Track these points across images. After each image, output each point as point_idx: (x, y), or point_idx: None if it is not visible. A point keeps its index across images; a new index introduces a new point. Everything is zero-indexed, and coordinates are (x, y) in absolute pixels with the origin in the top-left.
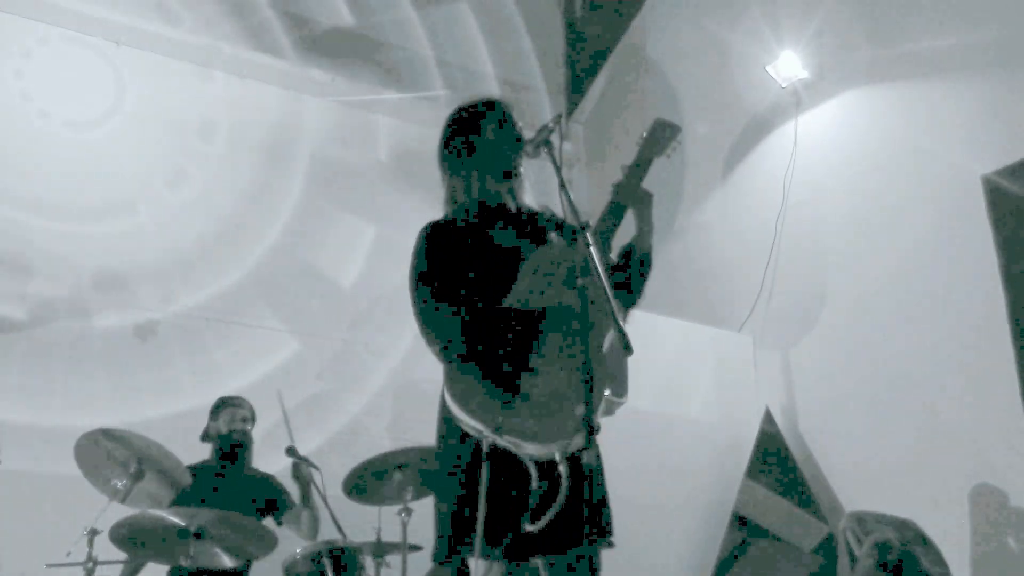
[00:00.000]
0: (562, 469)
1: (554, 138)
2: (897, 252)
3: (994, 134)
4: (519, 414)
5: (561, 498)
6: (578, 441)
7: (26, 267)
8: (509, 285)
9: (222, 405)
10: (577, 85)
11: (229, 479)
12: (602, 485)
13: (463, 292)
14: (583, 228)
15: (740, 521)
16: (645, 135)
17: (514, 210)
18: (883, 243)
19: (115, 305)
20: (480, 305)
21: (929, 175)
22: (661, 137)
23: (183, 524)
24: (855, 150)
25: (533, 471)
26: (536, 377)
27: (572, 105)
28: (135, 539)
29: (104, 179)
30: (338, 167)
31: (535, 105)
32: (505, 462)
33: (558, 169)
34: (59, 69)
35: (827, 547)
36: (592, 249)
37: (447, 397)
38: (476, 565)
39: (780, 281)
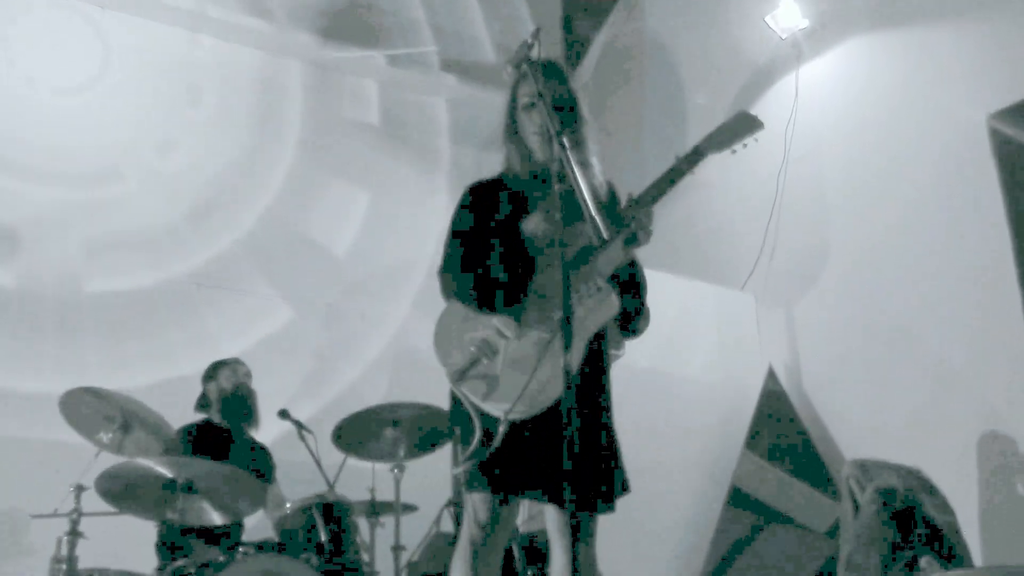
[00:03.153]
0: (502, 428)
1: (534, 52)
2: (901, 202)
3: (998, 75)
4: (479, 373)
5: (492, 448)
6: (520, 409)
7: (13, 234)
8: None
9: (219, 365)
10: (575, 49)
11: (233, 439)
12: (607, 451)
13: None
14: (559, 134)
15: (750, 502)
16: (726, 122)
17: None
18: (887, 193)
19: (105, 272)
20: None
21: (932, 121)
22: (739, 129)
23: (171, 476)
24: (857, 100)
25: (477, 422)
26: (507, 342)
27: (571, 66)
28: (121, 490)
29: (92, 146)
30: (330, 132)
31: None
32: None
33: (537, 83)
34: (44, 35)
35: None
36: (570, 154)
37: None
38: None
39: (782, 237)
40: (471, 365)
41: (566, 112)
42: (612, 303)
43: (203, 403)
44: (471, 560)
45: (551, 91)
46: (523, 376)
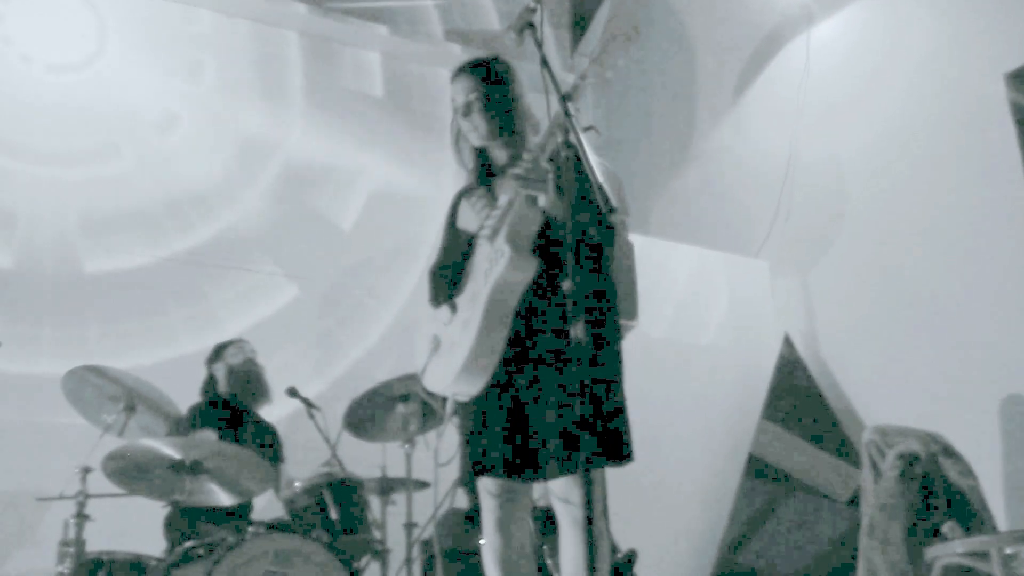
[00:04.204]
0: (448, 406)
1: (536, 17)
2: (916, 164)
3: (1015, 33)
4: (430, 368)
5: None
6: (461, 390)
7: (11, 213)
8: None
9: (224, 346)
10: (581, 17)
11: (242, 418)
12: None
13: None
14: (565, 98)
15: (769, 472)
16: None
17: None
18: (902, 155)
19: (105, 251)
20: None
21: (949, 81)
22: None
23: (178, 456)
24: (869, 60)
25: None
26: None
27: (577, 37)
28: (128, 471)
29: (89, 123)
30: (332, 105)
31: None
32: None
33: (540, 47)
34: (39, 11)
35: None
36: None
37: None
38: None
39: (796, 203)
40: (425, 363)
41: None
42: (515, 267)
43: (210, 385)
44: (498, 544)
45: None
46: (455, 359)
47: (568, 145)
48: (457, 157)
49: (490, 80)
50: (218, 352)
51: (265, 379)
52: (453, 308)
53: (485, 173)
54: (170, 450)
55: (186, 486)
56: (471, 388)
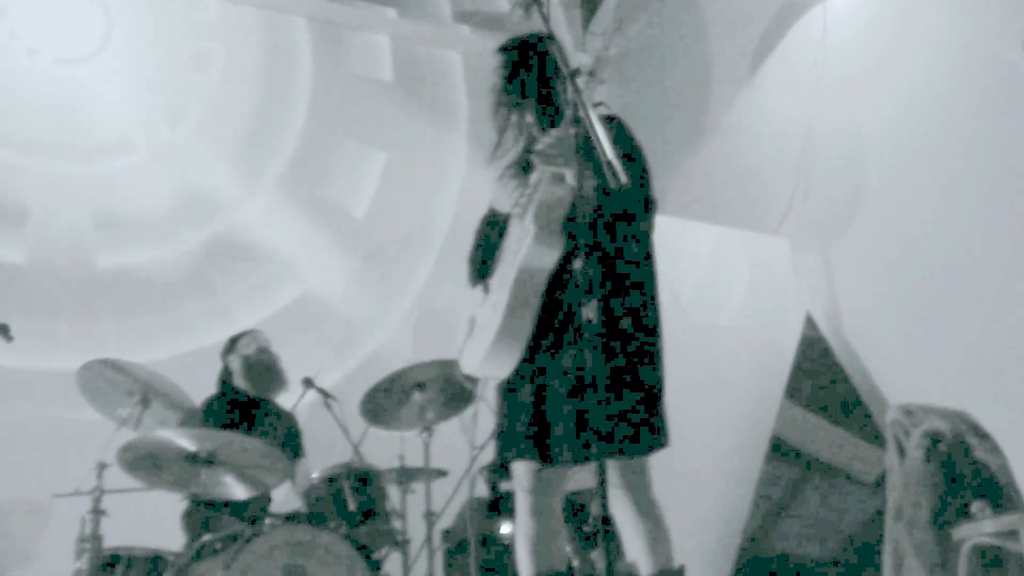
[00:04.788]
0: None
1: None
2: (937, 134)
3: None
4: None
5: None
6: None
7: (23, 209)
8: None
9: (238, 337)
10: None
11: (259, 408)
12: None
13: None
14: (572, 75)
15: (792, 454)
16: None
17: None
18: (922, 126)
19: (118, 246)
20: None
21: (969, 50)
22: None
23: (193, 449)
24: (886, 31)
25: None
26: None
27: (588, 16)
28: (143, 463)
29: (99, 116)
30: (342, 91)
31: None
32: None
33: (546, 22)
34: (44, 4)
35: None
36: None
37: None
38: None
39: (815, 178)
40: (461, 345)
41: None
42: (540, 246)
43: (225, 377)
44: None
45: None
46: (484, 340)
47: (577, 122)
48: (499, 136)
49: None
50: (232, 344)
51: (281, 366)
52: (486, 289)
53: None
54: (185, 441)
55: (202, 478)
56: (500, 370)
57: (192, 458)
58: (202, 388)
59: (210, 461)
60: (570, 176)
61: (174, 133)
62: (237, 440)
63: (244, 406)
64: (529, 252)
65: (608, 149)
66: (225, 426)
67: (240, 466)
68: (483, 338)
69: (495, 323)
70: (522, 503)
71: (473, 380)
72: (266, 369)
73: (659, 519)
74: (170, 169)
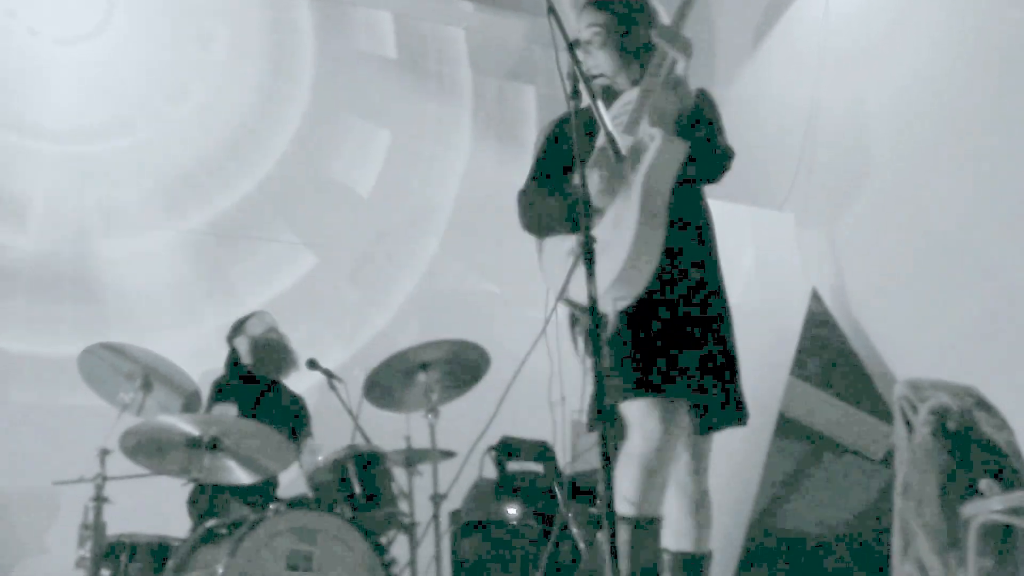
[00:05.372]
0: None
1: None
2: (944, 108)
3: None
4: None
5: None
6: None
7: (26, 193)
8: None
9: (244, 319)
10: None
11: (268, 391)
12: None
13: None
14: (572, 47)
15: (800, 431)
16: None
17: None
18: (928, 100)
19: (120, 227)
20: None
21: (976, 22)
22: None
23: (196, 433)
24: (890, 4)
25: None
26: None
27: None
28: (146, 447)
29: (100, 97)
30: (345, 69)
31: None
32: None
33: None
34: None
35: None
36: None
37: None
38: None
39: (820, 153)
40: (568, 275)
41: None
42: (667, 149)
43: (233, 360)
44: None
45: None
46: (612, 259)
47: (575, 94)
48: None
49: (615, 13)
50: (239, 326)
51: (289, 346)
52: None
53: None
54: (188, 426)
55: (205, 463)
56: (633, 288)
57: (195, 443)
58: (209, 369)
59: (214, 446)
60: (682, 65)
61: (176, 112)
62: (241, 425)
63: (253, 387)
64: (656, 156)
65: (608, 123)
66: (236, 404)
67: (244, 451)
68: (609, 257)
69: (627, 237)
70: (651, 439)
71: (582, 310)
72: (275, 349)
73: (710, 507)
74: (173, 149)
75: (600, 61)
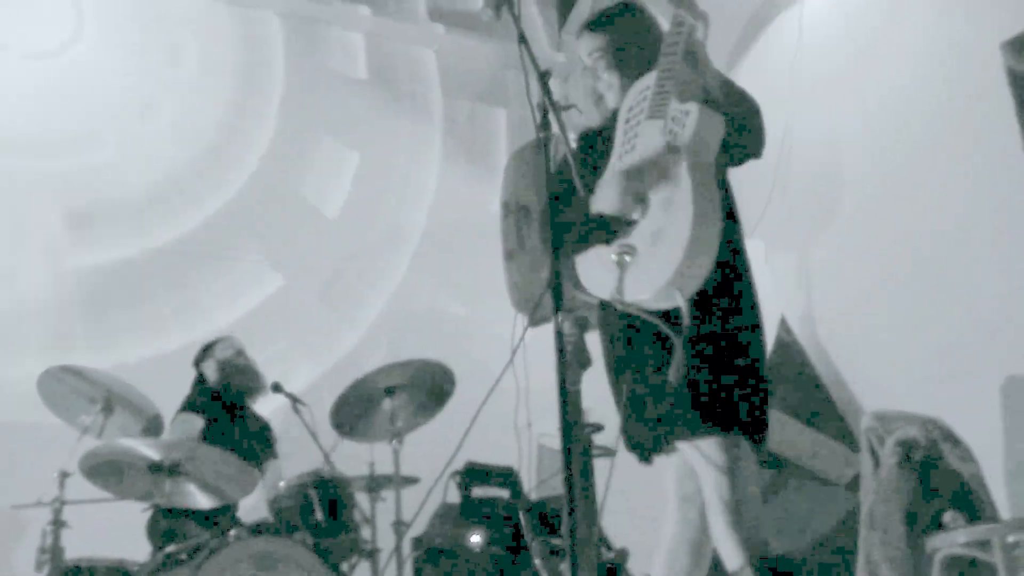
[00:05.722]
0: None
1: None
2: (914, 138)
3: (1010, 2)
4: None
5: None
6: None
7: None
8: None
9: (212, 344)
10: None
11: (234, 415)
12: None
13: None
14: (543, 76)
15: (767, 457)
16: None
17: None
18: (898, 130)
19: (87, 243)
20: None
21: (945, 51)
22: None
23: (157, 457)
24: (864, 32)
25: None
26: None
27: (563, 16)
28: (106, 470)
29: (70, 111)
30: (316, 88)
31: (524, 18)
32: None
33: (517, 22)
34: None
35: None
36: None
37: None
38: None
39: (792, 180)
40: (619, 281)
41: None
42: (708, 120)
43: (199, 383)
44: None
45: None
46: (667, 249)
47: (545, 125)
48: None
49: (612, 33)
50: (206, 350)
51: (257, 370)
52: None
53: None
54: (149, 450)
55: (165, 488)
56: (702, 265)
57: (156, 467)
58: (173, 389)
59: (175, 471)
60: (703, 34)
61: (146, 128)
62: (203, 450)
63: (220, 406)
64: (697, 129)
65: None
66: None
67: (205, 476)
68: (663, 247)
69: (682, 221)
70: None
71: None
72: (243, 373)
73: None
74: (142, 164)
75: (612, 81)
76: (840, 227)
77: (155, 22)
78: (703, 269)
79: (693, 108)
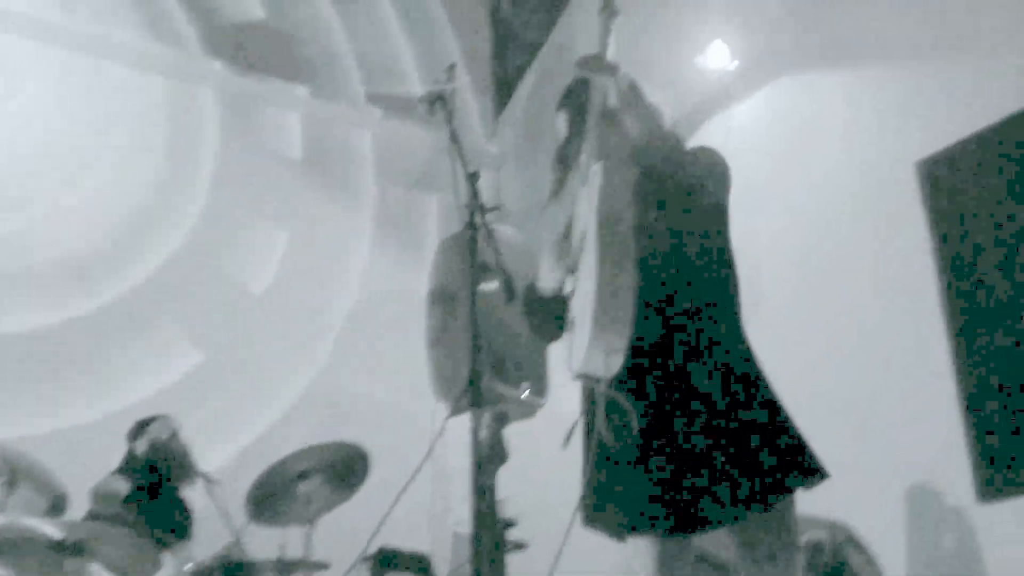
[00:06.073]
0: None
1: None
2: (830, 247)
3: (926, 120)
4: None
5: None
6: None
7: None
8: None
9: (148, 421)
10: (505, 85)
11: (157, 494)
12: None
13: None
14: (472, 177)
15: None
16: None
17: None
18: (816, 238)
19: (3, 311)
20: None
21: (860, 163)
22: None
23: (59, 537)
24: (786, 143)
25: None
26: None
27: (500, 106)
28: (5, 550)
29: None
30: (248, 166)
31: (459, 106)
32: None
33: (449, 121)
34: None
35: None
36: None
37: None
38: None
39: None
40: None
41: None
42: (612, 175)
43: (129, 459)
44: None
45: None
46: (586, 317)
47: (473, 227)
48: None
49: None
50: (141, 427)
51: (190, 456)
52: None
53: None
54: (51, 529)
55: (66, 568)
56: (616, 336)
57: (58, 547)
58: (83, 464)
59: (78, 551)
60: (615, 93)
61: (70, 196)
62: (107, 530)
63: (149, 478)
64: (603, 189)
65: (502, 258)
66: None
67: (108, 557)
68: (585, 316)
69: (591, 280)
70: None
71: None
72: (175, 457)
73: None
74: (64, 232)
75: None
76: (753, 336)
77: (85, 92)
78: (619, 337)
79: (597, 167)
